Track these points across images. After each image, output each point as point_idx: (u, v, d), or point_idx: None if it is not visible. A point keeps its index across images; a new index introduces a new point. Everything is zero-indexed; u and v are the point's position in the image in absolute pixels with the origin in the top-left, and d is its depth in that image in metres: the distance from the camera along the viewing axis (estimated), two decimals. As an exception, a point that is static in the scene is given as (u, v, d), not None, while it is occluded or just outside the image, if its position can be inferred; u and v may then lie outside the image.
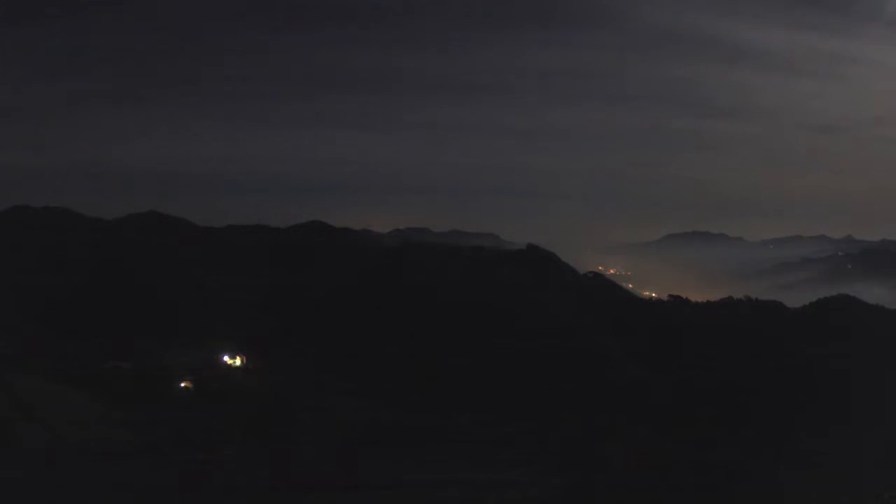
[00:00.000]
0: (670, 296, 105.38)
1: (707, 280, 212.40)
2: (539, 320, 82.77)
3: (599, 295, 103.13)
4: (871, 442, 56.72)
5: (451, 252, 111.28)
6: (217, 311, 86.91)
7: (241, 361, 73.74)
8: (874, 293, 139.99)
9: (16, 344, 68.48)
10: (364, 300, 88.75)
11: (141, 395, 59.67)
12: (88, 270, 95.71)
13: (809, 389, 71.19)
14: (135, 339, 73.93)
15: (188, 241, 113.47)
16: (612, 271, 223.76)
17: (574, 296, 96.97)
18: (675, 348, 79.46)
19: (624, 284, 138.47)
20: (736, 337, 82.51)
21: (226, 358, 73.94)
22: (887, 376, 72.56)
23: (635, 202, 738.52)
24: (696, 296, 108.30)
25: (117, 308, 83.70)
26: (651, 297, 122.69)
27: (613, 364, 75.73)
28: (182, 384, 64.15)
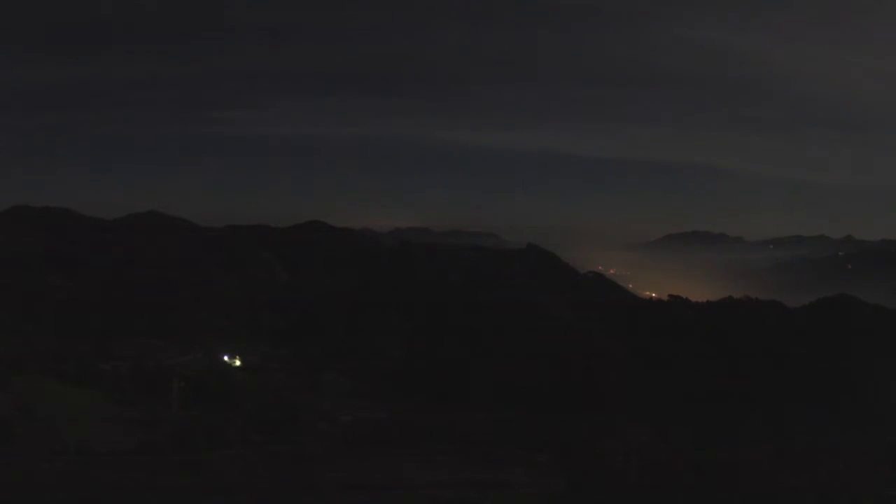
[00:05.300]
0: (670, 296, 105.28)
1: (707, 280, 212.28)
2: (539, 320, 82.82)
3: (599, 295, 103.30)
4: (870, 442, 56.66)
5: (451, 252, 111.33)
6: (217, 311, 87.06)
7: (241, 361, 73.77)
8: (874, 293, 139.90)
9: (16, 344, 68.50)
10: (364, 300, 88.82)
11: (141, 395, 59.65)
12: (88, 271, 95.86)
13: (809, 389, 71.22)
14: (135, 339, 74.02)
15: (188, 241, 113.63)
16: (612, 271, 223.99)
17: (574, 296, 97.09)
18: (675, 348, 79.45)
19: (624, 284, 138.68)
20: (736, 337, 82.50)
21: (226, 358, 73.98)
22: (887, 376, 72.57)
23: (635, 202, 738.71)
24: (696, 296, 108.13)
25: (117, 308, 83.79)
26: (651, 297, 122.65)
27: (613, 364, 75.75)
28: (182, 384, 64.14)
